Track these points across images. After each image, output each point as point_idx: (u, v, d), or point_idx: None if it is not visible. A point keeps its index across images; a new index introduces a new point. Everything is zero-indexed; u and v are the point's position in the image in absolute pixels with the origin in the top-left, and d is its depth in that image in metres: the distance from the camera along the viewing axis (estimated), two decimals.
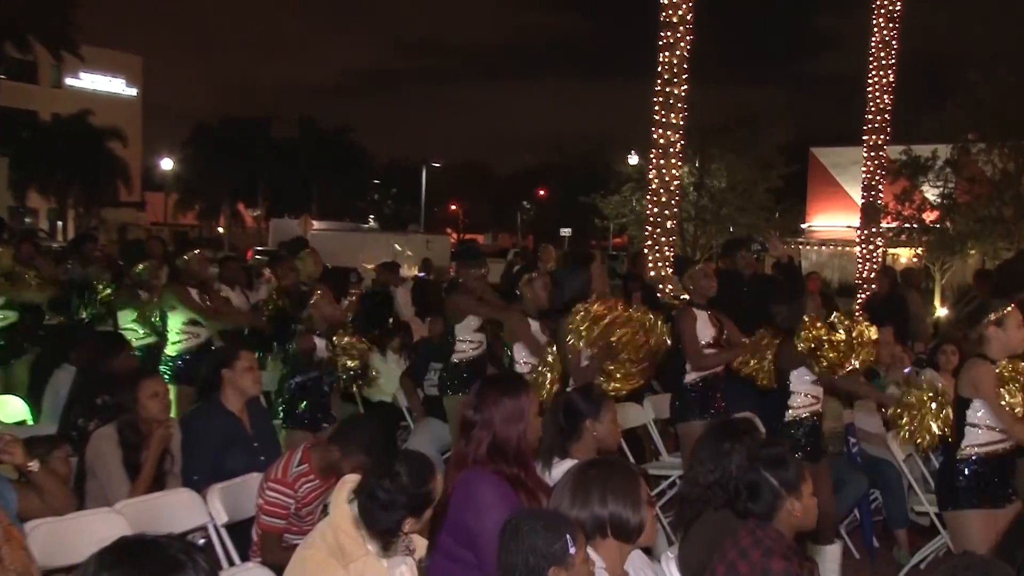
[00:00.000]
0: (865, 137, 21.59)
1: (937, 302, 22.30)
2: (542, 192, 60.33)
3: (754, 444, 3.70)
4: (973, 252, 24.32)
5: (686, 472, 3.99)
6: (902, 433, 5.13)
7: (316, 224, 35.10)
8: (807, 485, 3.30)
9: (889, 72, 20.74)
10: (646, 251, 17.15)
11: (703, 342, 6.31)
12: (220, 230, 51.74)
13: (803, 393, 5.59)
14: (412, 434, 7.49)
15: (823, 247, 31.98)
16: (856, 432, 6.86)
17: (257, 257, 31.44)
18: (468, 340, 6.93)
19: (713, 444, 3.81)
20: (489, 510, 3.31)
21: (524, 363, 6.31)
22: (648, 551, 3.27)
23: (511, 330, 6.49)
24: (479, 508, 3.37)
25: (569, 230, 46.02)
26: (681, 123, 17.02)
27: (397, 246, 31.56)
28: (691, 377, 6.33)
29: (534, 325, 6.42)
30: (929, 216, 23.69)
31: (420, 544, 3.28)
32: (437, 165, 54.23)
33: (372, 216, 59.18)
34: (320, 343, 6.32)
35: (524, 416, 3.59)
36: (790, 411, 5.54)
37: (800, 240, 31.43)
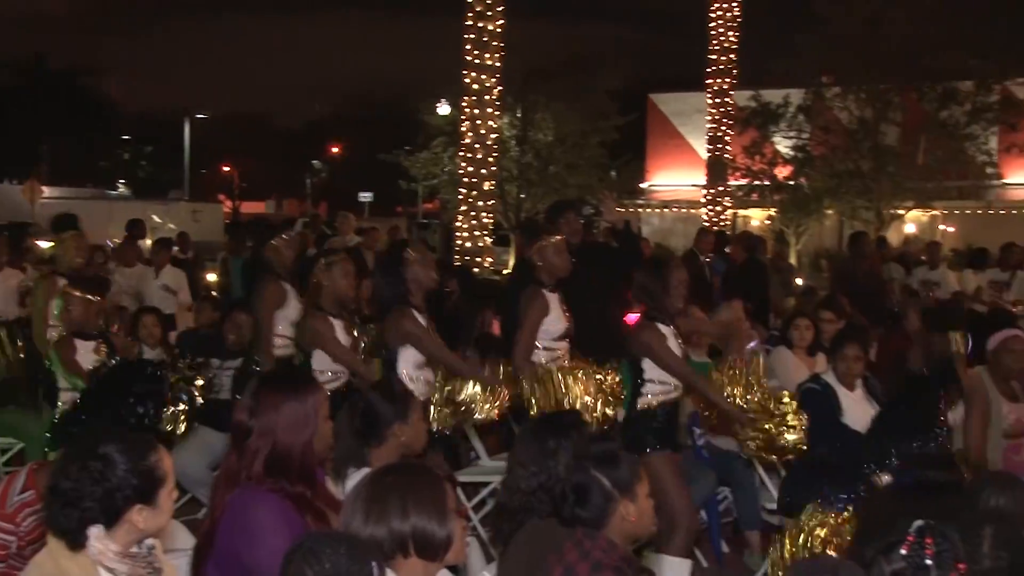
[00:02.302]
0: (709, 81, 22.51)
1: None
2: (336, 149, 59.65)
3: (582, 441, 3.80)
4: (830, 212, 25.72)
5: (505, 477, 4.06)
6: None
7: (47, 191, 33.46)
8: (642, 485, 3.42)
9: (734, 4, 21.65)
10: (460, 219, 17.29)
11: (556, 335, 6.41)
12: None
13: (657, 380, 5.78)
14: (177, 445, 7.29)
15: (665, 210, 33.09)
16: (701, 423, 7.14)
17: None
18: (283, 336, 6.84)
19: (536, 443, 3.90)
20: (266, 537, 3.28)
21: (324, 373, 6.25)
22: (456, 570, 3.32)
23: (311, 333, 6.38)
24: (253, 534, 3.32)
25: (370, 195, 45.73)
26: (498, 65, 17.23)
27: (156, 217, 30.54)
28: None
29: (337, 325, 6.34)
30: (782, 172, 24.83)
31: (170, 570, 3.20)
32: (203, 117, 52.65)
33: (122, 181, 56.97)
34: (83, 348, 6.07)
35: (312, 421, 3.56)
36: (641, 399, 5.72)
37: (640, 202, 32.38)
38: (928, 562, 2.36)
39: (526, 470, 3.86)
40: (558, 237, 6.62)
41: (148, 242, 15.63)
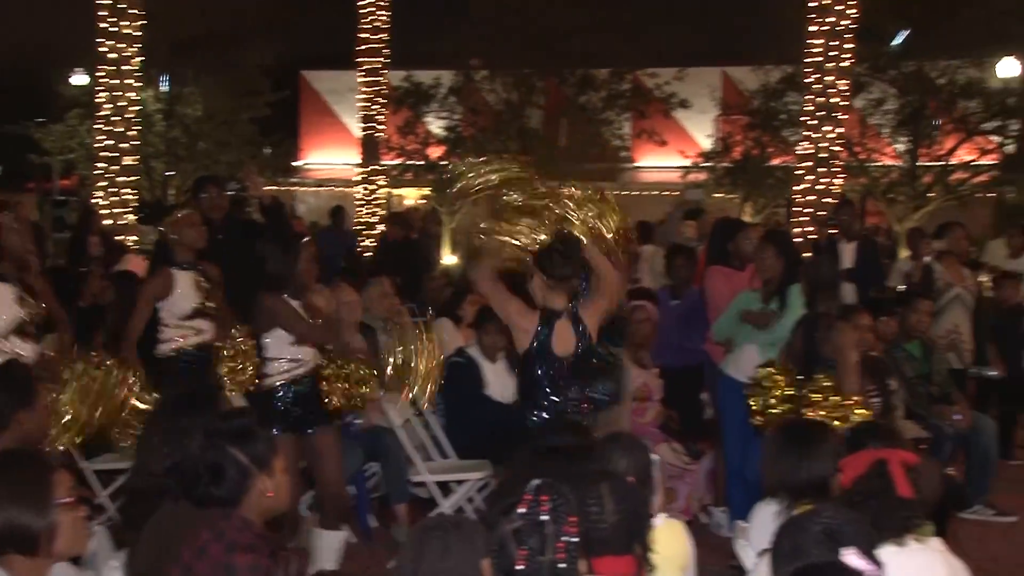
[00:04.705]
0: (361, 60, 22.58)
1: (448, 249, 24.02)
2: None
3: (216, 417, 3.75)
4: None
5: (136, 459, 3.95)
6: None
7: None
8: (279, 459, 3.42)
9: None
10: (100, 196, 16.52)
11: (190, 308, 6.32)
12: None
13: (279, 357, 5.74)
14: None
15: (321, 188, 32.91)
16: None
17: None
18: None
19: (168, 422, 3.81)
20: None
21: None
22: (80, 561, 3.20)
23: None
24: None
25: None
26: (138, 35, 16.48)
27: None
28: (166, 348, 6.29)
29: (8, 291, 5.89)
30: (435, 152, 25.37)
31: None
32: None
33: None
34: None
35: None
36: (267, 380, 5.66)
37: (294, 181, 32.02)
38: (544, 518, 2.50)
39: (158, 451, 3.77)
40: (188, 211, 6.55)
41: None
